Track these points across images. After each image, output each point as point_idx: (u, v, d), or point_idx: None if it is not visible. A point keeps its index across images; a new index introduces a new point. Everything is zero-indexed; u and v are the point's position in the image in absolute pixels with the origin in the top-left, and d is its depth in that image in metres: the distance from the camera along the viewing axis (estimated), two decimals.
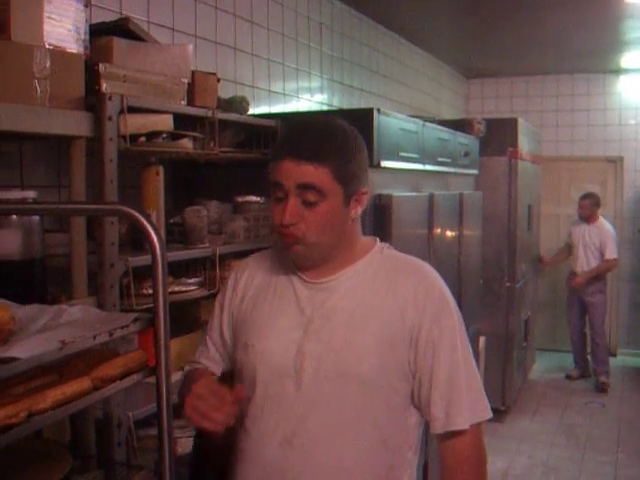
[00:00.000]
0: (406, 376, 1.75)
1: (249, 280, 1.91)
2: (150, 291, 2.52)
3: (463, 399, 1.74)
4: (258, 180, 3.28)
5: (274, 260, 1.91)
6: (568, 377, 7.69)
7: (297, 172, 1.67)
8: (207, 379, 1.71)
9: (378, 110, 3.39)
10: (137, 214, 1.45)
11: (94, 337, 1.38)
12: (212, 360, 1.96)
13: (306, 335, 1.74)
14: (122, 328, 1.46)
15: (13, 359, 1.21)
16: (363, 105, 5.78)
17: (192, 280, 2.77)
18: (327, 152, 1.67)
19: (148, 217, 1.45)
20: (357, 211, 1.77)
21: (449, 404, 1.74)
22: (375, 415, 1.73)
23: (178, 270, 2.77)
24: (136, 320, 1.51)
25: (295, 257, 1.77)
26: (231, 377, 1.91)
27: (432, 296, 1.77)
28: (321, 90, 5.20)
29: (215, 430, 1.59)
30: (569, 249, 7.80)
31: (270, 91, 4.45)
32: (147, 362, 1.57)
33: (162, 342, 1.46)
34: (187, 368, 1.98)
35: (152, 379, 1.53)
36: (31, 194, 2.09)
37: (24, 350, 1.23)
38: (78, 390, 1.36)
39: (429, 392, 1.74)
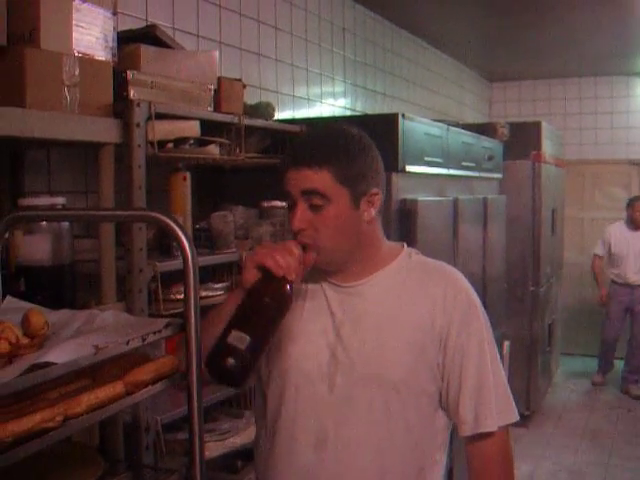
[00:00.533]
0: (435, 379, 1.76)
1: None
2: (178, 296, 2.54)
3: (492, 401, 1.76)
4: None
5: None
6: (595, 384, 7.60)
7: (299, 179, 1.68)
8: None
9: (403, 115, 3.40)
10: (169, 220, 1.46)
11: (127, 342, 1.39)
12: None
13: (338, 339, 1.75)
14: (154, 333, 1.47)
15: (49, 364, 1.22)
16: (386, 110, 5.78)
17: (219, 285, 2.79)
18: (326, 155, 1.68)
19: (179, 224, 1.46)
20: (370, 213, 1.76)
21: (478, 406, 1.75)
22: (406, 417, 1.74)
23: (204, 275, 2.79)
24: (167, 325, 1.52)
25: (314, 263, 1.77)
26: None
27: (460, 300, 1.78)
28: (344, 95, 5.21)
29: (277, 272, 1.60)
30: (608, 259, 7.57)
31: (294, 96, 4.46)
32: (178, 367, 1.58)
33: (193, 347, 1.48)
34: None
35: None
36: (60, 200, 2.10)
37: (59, 355, 1.25)
38: (111, 395, 1.37)
39: (458, 395, 1.76)
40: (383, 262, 1.82)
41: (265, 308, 1.59)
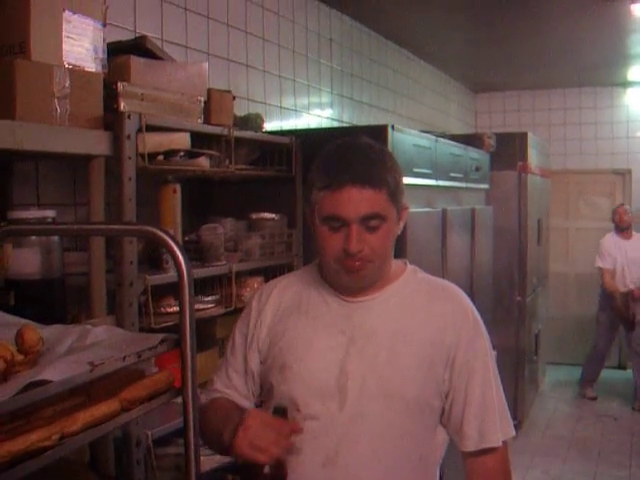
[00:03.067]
0: (440, 394, 1.77)
1: (276, 304, 1.87)
2: (168, 309, 2.53)
3: (496, 417, 1.77)
4: (273, 197, 3.31)
5: (301, 282, 1.89)
6: (589, 398, 7.55)
7: (360, 200, 1.64)
8: (257, 411, 1.71)
9: (392, 127, 3.40)
10: (163, 235, 1.45)
11: (123, 359, 1.38)
12: (234, 389, 1.90)
13: (348, 355, 1.73)
14: (150, 349, 1.46)
15: (45, 382, 1.20)
16: (372, 120, 5.79)
17: (209, 298, 2.77)
18: (383, 175, 1.67)
19: (176, 239, 1.45)
20: (400, 227, 1.78)
21: (483, 422, 1.75)
22: (415, 433, 1.75)
23: (194, 287, 2.76)
24: (163, 341, 1.50)
25: (358, 281, 1.74)
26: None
27: (467, 320, 1.80)
28: (331, 105, 5.21)
29: (266, 462, 1.60)
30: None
31: (281, 107, 4.46)
32: (173, 382, 1.56)
33: (189, 363, 1.46)
34: (205, 398, 1.91)
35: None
36: (50, 213, 2.08)
37: (55, 373, 1.23)
38: (107, 412, 1.35)
39: (463, 410, 1.76)
40: (390, 279, 1.81)
41: None
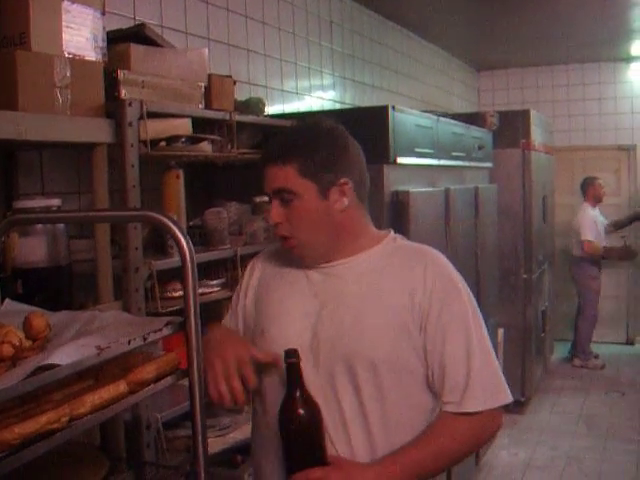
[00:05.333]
0: (421, 360, 1.77)
1: (263, 269, 1.99)
2: (174, 294, 2.56)
3: (477, 383, 1.74)
4: None
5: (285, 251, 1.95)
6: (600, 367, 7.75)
7: (269, 176, 1.78)
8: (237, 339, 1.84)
9: (393, 107, 3.41)
10: (166, 220, 1.47)
11: (129, 342, 1.41)
12: None
13: (319, 319, 1.78)
14: (155, 332, 1.48)
15: (53, 366, 1.23)
16: (375, 101, 5.79)
17: (214, 282, 2.80)
18: (288, 151, 1.75)
19: (178, 224, 1.48)
20: (343, 202, 1.79)
21: (462, 388, 1.73)
22: (389, 397, 1.75)
23: (199, 272, 2.78)
24: (168, 324, 1.53)
25: (294, 254, 1.84)
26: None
27: (441, 282, 1.78)
28: (333, 87, 5.22)
29: (212, 397, 1.66)
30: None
31: (283, 90, 4.47)
32: (179, 364, 1.59)
33: (194, 345, 1.49)
34: None
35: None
36: (56, 202, 2.11)
37: (63, 357, 1.26)
38: (115, 394, 1.38)
39: (442, 376, 1.75)
40: (366, 246, 1.85)
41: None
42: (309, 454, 1.65)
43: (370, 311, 1.76)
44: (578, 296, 7.97)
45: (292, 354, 1.65)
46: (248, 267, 2.05)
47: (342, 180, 1.78)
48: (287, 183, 1.74)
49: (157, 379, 1.51)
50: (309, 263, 1.84)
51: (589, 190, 7.88)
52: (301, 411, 1.64)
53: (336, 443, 1.74)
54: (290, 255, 1.90)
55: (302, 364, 1.71)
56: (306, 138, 1.79)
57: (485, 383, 1.76)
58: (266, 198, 3.07)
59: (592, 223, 7.78)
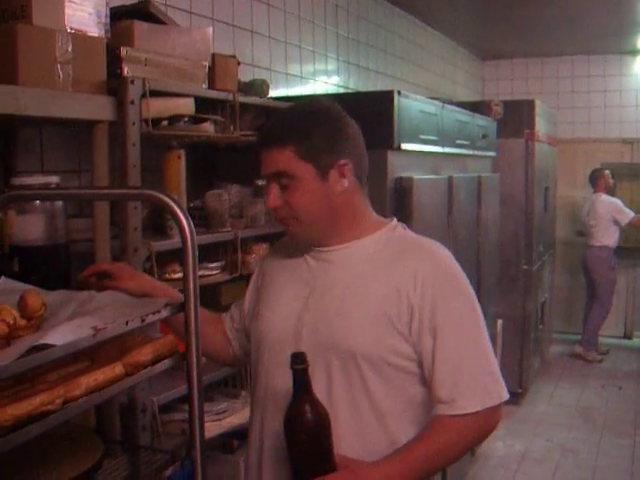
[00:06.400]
0: (407, 354, 1.72)
1: (271, 259, 2.00)
2: (173, 275, 2.53)
3: (471, 383, 1.70)
4: None
5: (288, 241, 1.96)
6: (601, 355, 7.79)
7: (266, 160, 1.74)
8: None
9: (399, 92, 3.37)
10: (167, 199, 1.45)
11: (126, 323, 1.38)
12: (229, 317, 2.09)
13: (305, 305, 1.78)
14: (154, 314, 1.45)
15: (48, 346, 1.20)
16: (379, 87, 5.75)
17: (214, 264, 2.77)
18: (285, 134, 1.72)
19: (178, 202, 1.44)
20: (342, 184, 1.76)
21: (454, 387, 1.69)
22: (370, 389, 1.72)
23: (199, 254, 2.75)
24: (167, 305, 1.50)
25: (294, 239, 1.84)
26: None
27: (438, 276, 1.74)
28: (337, 72, 5.17)
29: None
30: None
31: (287, 74, 4.42)
32: (177, 347, 1.56)
33: (192, 327, 1.46)
34: None
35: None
36: (54, 179, 2.08)
37: (58, 337, 1.23)
38: (111, 376, 1.36)
39: (433, 374, 1.71)
40: (364, 233, 1.82)
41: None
42: (319, 462, 1.59)
43: (354, 301, 1.73)
44: (591, 287, 7.85)
45: (299, 359, 1.56)
46: (261, 258, 2.11)
47: (342, 161, 1.75)
48: (285, 166, 1.71)
49: (154, 362, 1.48)
50: (307, 245, 1.83)
51: (600, 181, 7.81)
52: (310, 420, 1.56)
53: None
54: (292, 244, 1.90)
55: (286, 349, 1.68)
56: (303, 119, 1.76)
57: (479, 382, 1.71)
58: None
59: (621, 206, 7.75)
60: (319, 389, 1.67)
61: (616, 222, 7.66)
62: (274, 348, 1.80)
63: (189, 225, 1.43)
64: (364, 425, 1.73)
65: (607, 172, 7.86)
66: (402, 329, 1.71)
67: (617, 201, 7.77)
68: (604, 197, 7.76)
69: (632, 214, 7.63)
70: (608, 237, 7.70)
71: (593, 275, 7.79)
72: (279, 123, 1.78)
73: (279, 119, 1.81)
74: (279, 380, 1.75)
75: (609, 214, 7.66)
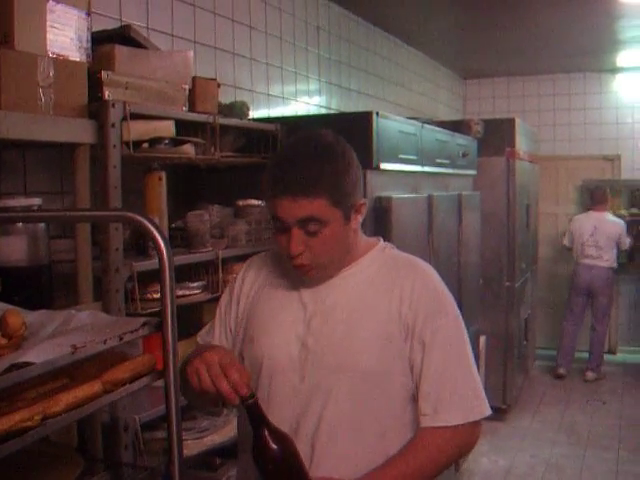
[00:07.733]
0: (405, 371, 1.78)
1: (255, 276, 1.96)
2: (154, 295, 2.55)
3: (454, 397, 1.76)
4: (259, 184, 3.32)
5: (278, 258, 1.94)
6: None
7: (295, 208, 1.68)
8: (222, 349, 1.74)
9: (377, 113, 3.42)
10: (144, 220, 1.48)
11: (104, 341, 1.41)
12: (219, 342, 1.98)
13: (309, 330, 1.79)
14: (131, 332, 1.49)
15: (27, 364, 1.23)
16: (361, 107, 5.80)
17: (195, 284, 2.80)
18: (319, 182, 1.67)
19: (155, 223, 1.48)
20: (358, 221, 1.80)
21: (438, 401, 1.75)
22: (374, 408, 1.77)
23: (181, 274, 2.80)
24: (144, 324, 1.53)
25: (310, 281, 1.82)
26: None
27: (428, 295, 1.80)
28: (319, 93, 5.23)
29: (195, 386, 1.62)
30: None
31: (269, 95, 4.47)
32: (155, 366, 1.59)
33: (170, 346, 1.49)
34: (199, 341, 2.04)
35: (158, 382, 1.56)
36: (36, 201, 2.11)
37: (38, 355, 1.26)
38: (90, 393, 1.38)
39: (419, 387, 1.77)
40: (357, 255, 1.85)
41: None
42: None
43: (359, 323, 1.78)
44: (595, 307, 7.73)
45: (248, 395, 1.59)
46: (238, 276, 2.01)
47: (361, 201, 1.79)
48: (317, 213, 1.68)
49: (132, 379, 1.51)
50: (320, 282, 1.83)
51: (605, 199, 7.74)
52: (274, 449, 1.60)
53: (321, 455, 1.74)
54: (278, 261, 1.91)
55: (289, 374, 1.74)
56: (332, 166, 1.71)
57: (462, 397, 1.77)
58: (251, 201, 3.14)
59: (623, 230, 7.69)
60: (327, 410, 1.74)
61: (618, 243, 7.63)
62: (275, 375, 1.80)
63: (165, 244, 1.45)
64: (367, 442, 1.77)
65: (608, 190, 7.82)
66: (402, 345, 1.77)
67: (622, 222, 7.72)
68: (612, 217, 7.73)
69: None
70: (614, 258, 7.66)
71: (600, 296, 7.67)
72: (307, 170, 1.68)
73: (305, 166, 1.69)
74: (284, 407, 1.77)
75: (617, 234, 7.61)
